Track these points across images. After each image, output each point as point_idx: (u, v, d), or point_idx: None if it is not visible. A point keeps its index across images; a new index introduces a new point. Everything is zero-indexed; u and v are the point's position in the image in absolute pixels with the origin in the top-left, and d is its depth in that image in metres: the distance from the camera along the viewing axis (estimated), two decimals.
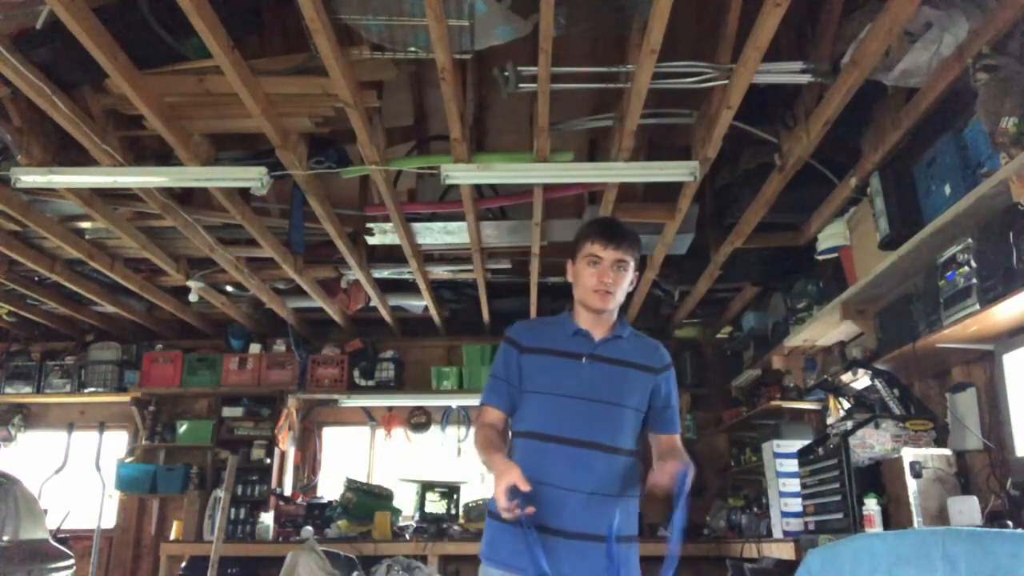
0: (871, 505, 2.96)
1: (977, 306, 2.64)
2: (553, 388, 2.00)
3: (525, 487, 1.76)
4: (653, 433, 2.08)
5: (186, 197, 4.21)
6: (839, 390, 3.95)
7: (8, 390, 6.35)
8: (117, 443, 6.42)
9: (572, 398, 1.98)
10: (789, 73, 3.00)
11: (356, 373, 6.26)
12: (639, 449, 2.05)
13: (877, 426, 3.21)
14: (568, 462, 1.94)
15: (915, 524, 2.84)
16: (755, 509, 4.99)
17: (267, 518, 5.72)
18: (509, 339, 2.10)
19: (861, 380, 3.71)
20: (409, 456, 6.46)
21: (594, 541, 1.91)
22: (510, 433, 2.09)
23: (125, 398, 6.22)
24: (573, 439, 1.95)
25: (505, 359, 2.09)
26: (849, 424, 3.34)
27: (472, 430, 6.34)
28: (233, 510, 5.76)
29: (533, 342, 2.07)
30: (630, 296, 5.46)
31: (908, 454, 2.96)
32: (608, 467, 1.95)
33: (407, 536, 5.62)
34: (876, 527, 2.93)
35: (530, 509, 1.75)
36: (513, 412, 2.07)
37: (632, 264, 2.05)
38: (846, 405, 3.89)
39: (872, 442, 3.19)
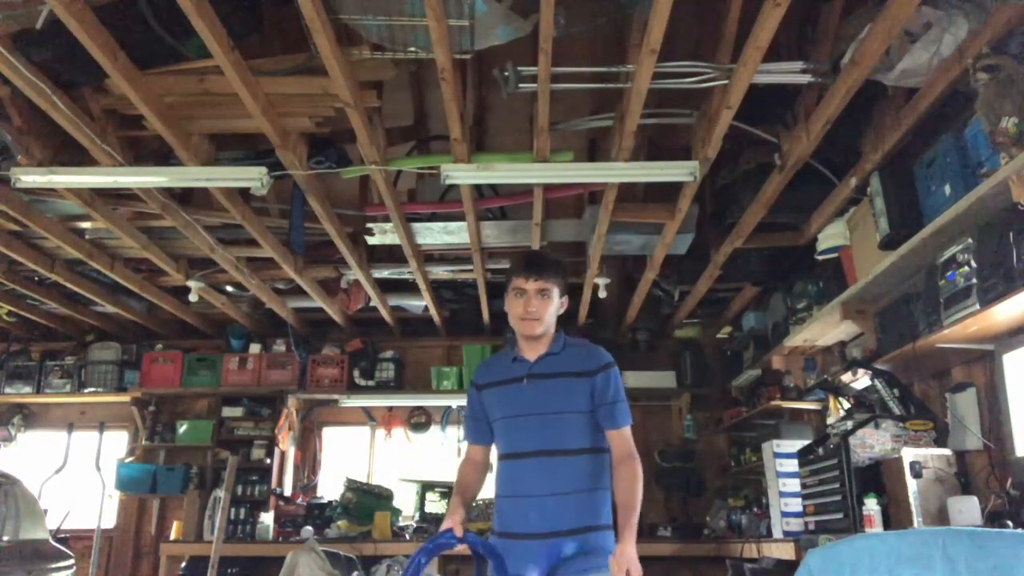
0: (871, 505, 2.96)
1: (977, 306, 2.64)
2: (505, 412, 2.25)
3: (458, 533, 2.06)
4: (601, 429, 2.22)
5: (186, 197, 4.21)
6: (839, 390, 3.95)
7: (8, 390, 6.35)
8: (117, 443, 6.42)
9: (520, 416, 2.21)
10: (789, 73, 3.00)
11: (356, 373, 6.26)
12: (596, 445, 2.22)
13: (877, 426, 3.21)
14: (525, 473, 2.17)
15: (915, 524, 2.84)
16: (755, 509, 4.99)
17: (267, 518, 5.72)
18: (472, 382, 2.39)
19: (861, 380, 3.71)
20: (409, 456, 6.47)
21: (552, 538, 2.10)
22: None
23: (125, 398, 6.22)
24: (525, 452, 2.19)
25: (470, 400, 2.39)
26: (849, 424, 3.34)
27: None
28: (233, 510, 5.75)
29: (486, 379, 2.34)
30: (630, 296, 5.50)
31: (908, 454, 2.96)
32: (561, 470, 2.14)
33: (407, 536, 5.62)
34: (876, 527, 2.93)
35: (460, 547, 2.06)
36: (489, 443, 2.34)
37: (555, 291, 2.25)
38: (846, 405, 3.89)
39: (872, 442, 3.19)
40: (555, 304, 2.26)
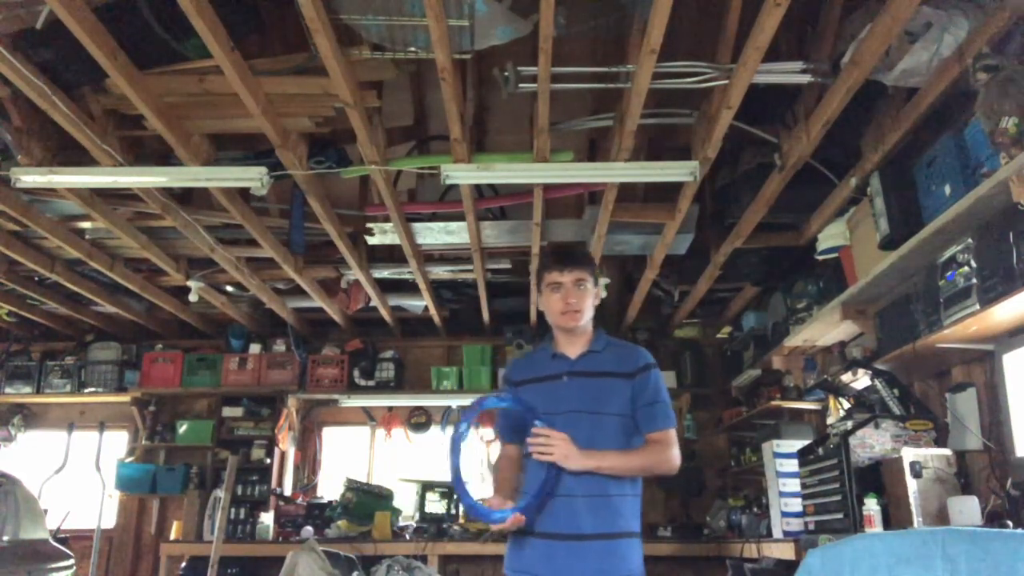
0: (871, 505, 2.96)
1: (977, 306, 2.64)
2: (543, 409, 2.13)
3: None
4: (640, 432, 2.16)
5: (186, 197, 4.21)
6: (839, 390, 3.95)
7: (8, 390, 6.35)
8: (117, 443, 6.42)
9: (558, 414, 2.11)
10: (789, 73, 3.00)
11: (356, 373, 6.26)
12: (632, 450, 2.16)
13: (877, 426, 3.21)
14: (543, 471, 2.06)
15: (915, 524, 2.84)
16: (755, 509, 4.99)
17: (267, 518, 5.72)
18: (506, 378, 2.35)
19: (861, 380, 3.71)
20: (409, 456, 6.47)
21: (589, 540, 2.02)
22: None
23: (125, 398, 6.22)
24: None
25: None
26: (849, 424, 3.33)
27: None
28: (233, 510, 5.75)
29: (522, 375, 2.28)
30: (630, 296, 5.50)
31: (908, 454, 2.96)
32: (596, 472, 2.04)
33: (407, 536, 5.62)
34: (876, 527, 2.92)
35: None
36: (522, 441, 2.20)
37: (590, 281, 2.22)
38: (846, 405, 3.89)
39: (872, 442, 3.19)
40: (592, 294, 2.21)
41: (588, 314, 2.20)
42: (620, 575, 2.01)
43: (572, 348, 2.22)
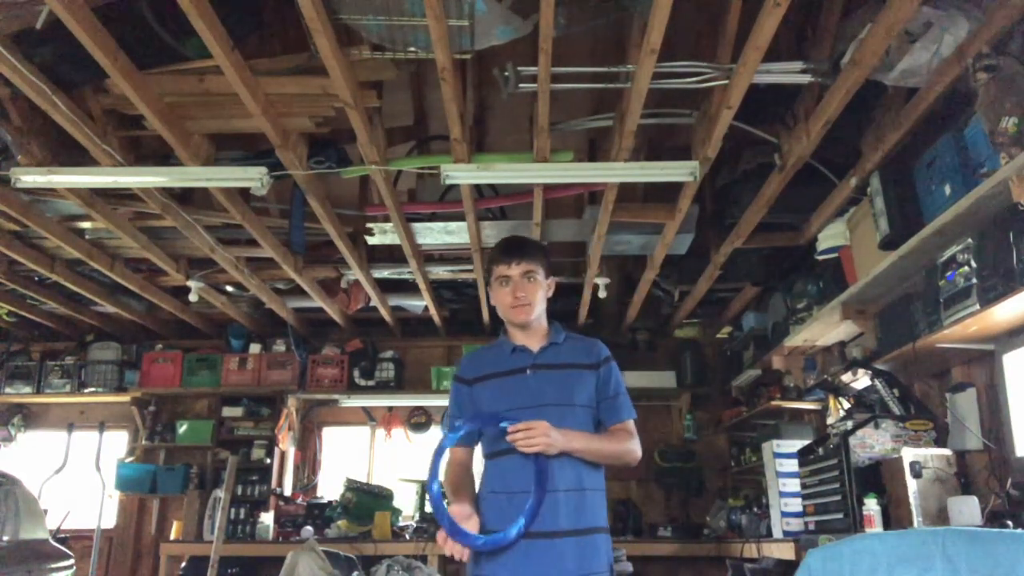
0: (871, 505, 2.96)
1: (977, 306, 2.64)
2: (507, 405, 2.06)
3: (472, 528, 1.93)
4: (604, 425, 2.13)
5: (186, 197, 4.21)
6: (839, 390, 3.96)
7: (8, 390, 6.35)
8: (117, 443, 6.42)
9: (522, 409, 2.03)
10: (789, 73, 3.00)
11: (356, 373, 6.26)
12: None
13: (877, 426, 3.21)
14: (527, 468, 1.97)
15: (915, 524, 2.84)
16: (755, 509, 4.99)
17: (267, 518, 5.72)
18: (457, 377, 2.21)
19: (861, 380, 3.72)
20: (409, 456, 6.47)
21: (565, 537, 1.96)
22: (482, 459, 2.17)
23: (125, 398, 6.22)
24: None
25: (457, 397, 2.19)
26: (849, 424, 3.34)
27: None
28: (233, 510, 5.76)
29: (478, 372, 2.16)
30: (630, 296, 5.49)
31: (908, 454, 2.96)
32: (564, 465, 1.99)
33: (407, 536, 5.62)
34: (876, 527, 2.93)
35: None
36: (476, 443, 2.16)
37: (541, 272, 2.15)
38: (846, 405, 3.89)
39: (872, 442, 3.19)
40: (543, 286, 2.15)
41: (539, 307, 2.14)
42: (596, 570, 1.97)
43: (531, 342, 2.15)
